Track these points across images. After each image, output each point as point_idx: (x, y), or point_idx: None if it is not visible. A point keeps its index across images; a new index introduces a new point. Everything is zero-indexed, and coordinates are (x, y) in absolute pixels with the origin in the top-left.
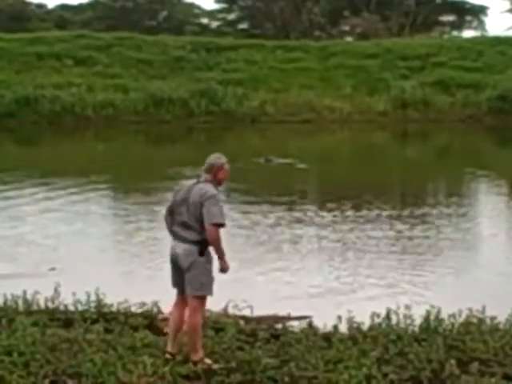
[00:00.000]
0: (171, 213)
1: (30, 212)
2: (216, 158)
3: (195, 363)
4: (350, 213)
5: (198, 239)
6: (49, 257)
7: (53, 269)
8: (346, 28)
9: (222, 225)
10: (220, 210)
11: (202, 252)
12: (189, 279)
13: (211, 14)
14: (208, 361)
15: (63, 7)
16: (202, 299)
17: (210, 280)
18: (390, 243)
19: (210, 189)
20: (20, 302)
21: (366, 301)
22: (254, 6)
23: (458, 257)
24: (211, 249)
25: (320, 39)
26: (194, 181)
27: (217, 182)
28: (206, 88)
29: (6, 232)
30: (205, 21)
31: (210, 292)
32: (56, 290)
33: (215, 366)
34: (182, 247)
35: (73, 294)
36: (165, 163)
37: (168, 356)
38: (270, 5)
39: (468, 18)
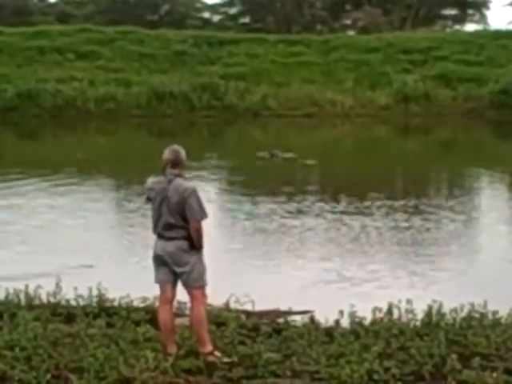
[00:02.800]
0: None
1: (30, 205)
2: (179, 152)
3: (206, 355)
4: (352, 206)
5: (185, 235)
6: (50, 252)
7: (90, 266)
8: (348, 22)
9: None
10: (201, 203)
11: (193, 245)
12: (186, 273)
13: (213, 8)
14: (218, 353)
15: (65, 1)
16: (202, 289)
17: (204, 269)
18: (391, 237)
19: (187, 184)
20: (22, 296)
21: (368, 295)
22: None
23: (459, 251)
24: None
25: (322, 33)
26: (163, 178)
27: (181, 175)
28: (208, 82)
29: (7, 227)
30: (206, 15)
31: (206, 281)
32: (57, 285)
33: (225, 359)
34: (172, 245)
35: (74, 288)
36: None
37: (171, 357)
38: None
39: (470, 11)
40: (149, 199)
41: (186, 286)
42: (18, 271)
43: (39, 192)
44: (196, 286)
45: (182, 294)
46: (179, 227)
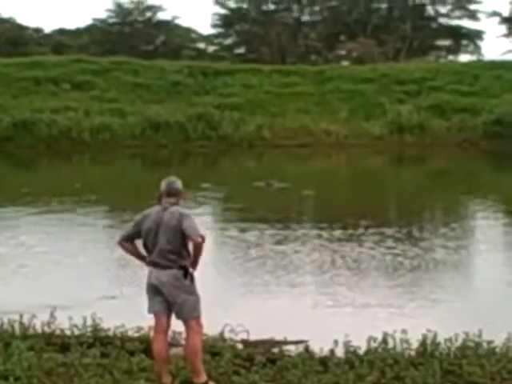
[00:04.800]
0: (132, 239)
1: (23, 233)
2: (174, 182)
3: None
4: (347, 235)
5: (181, 264)
6: (43, 281)
7: (113, 297)
8: (343, 52)
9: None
10: (196, 225)
11: (187, 274)
12: (180, 304)
13: (208, 39)
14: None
15: (60, 32)
16: (197, 320)
17: (198, 299)
18: (386, 266)
19: (182, 210)
20: (16, 326)
21: (363, 324)
22: (250, 30)
23: (454, 280)
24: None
25: (316, 64)
26: (158, 207)
27: (177, 204)
28: (203, 112)
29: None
30: (201, 45)
31: (200, 311)
32: (52, 314)
33: None
34: (166, 274)
35: (69, 318)
36: None
37: None
38: (266, 29)
39: (464, 42)
40: (135, 234)
41: (179, 317)
42: (20, 304)
43: (34, 224)
44: (190, 316)
45: (177, 323)
46: (175, 254)
